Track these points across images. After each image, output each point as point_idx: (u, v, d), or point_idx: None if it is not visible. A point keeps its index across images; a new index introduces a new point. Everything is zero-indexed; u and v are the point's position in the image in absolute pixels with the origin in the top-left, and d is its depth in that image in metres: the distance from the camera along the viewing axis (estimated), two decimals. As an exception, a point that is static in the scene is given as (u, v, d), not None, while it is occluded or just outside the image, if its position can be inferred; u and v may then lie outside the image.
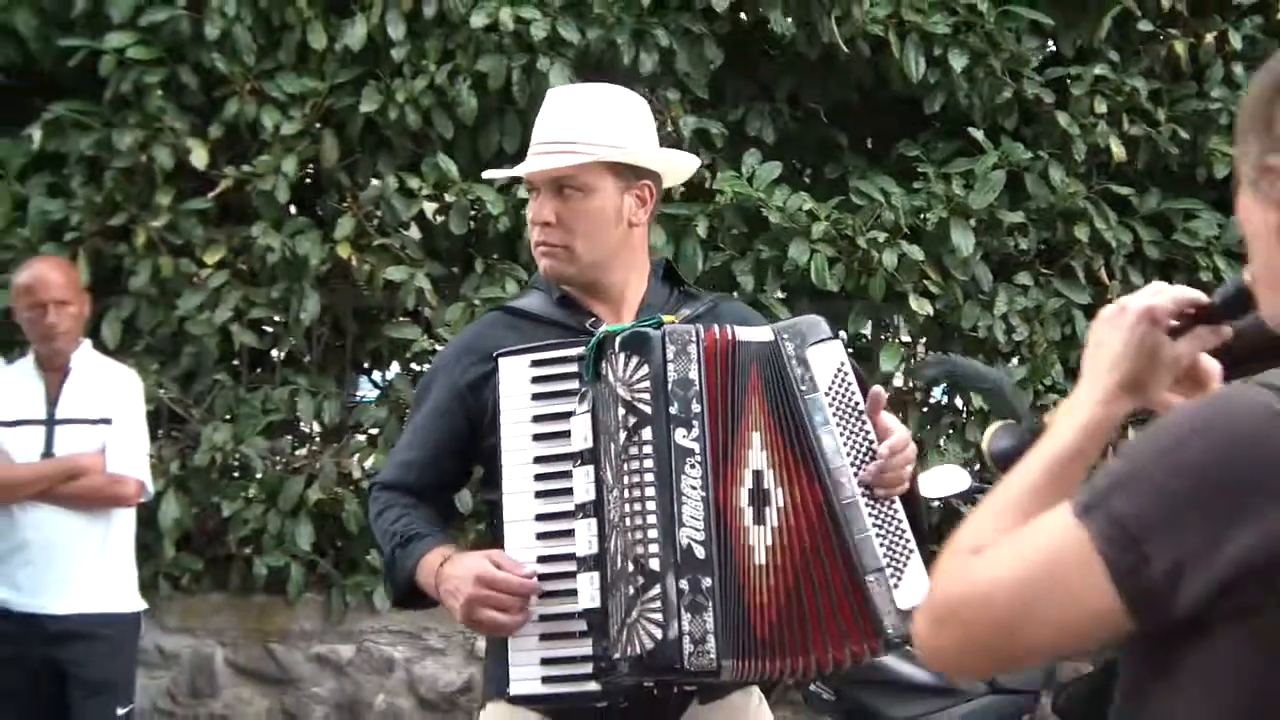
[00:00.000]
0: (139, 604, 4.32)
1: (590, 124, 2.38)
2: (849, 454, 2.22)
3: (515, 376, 2.29)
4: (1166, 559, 1.18)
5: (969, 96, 5.12)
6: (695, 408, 2.16)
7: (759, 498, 2.20)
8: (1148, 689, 1.28)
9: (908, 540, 2.25)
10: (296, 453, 5.46)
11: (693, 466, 2.15)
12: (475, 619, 2.24)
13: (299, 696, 5.34)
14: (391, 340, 5.28)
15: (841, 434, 2.22)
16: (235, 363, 5.41)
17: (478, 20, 4.93)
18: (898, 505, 2.26)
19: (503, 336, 2.42)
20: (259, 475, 5.20)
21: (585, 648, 2.18)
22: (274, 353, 5.52)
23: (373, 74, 5.12)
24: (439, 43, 5.08)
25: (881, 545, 2.22)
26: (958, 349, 5.25)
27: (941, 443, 5.11)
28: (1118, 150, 5.09)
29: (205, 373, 5.26)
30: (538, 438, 2.26)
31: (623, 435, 2.15)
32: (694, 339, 2.19)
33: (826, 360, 2.24)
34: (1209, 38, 5.13)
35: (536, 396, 2.27)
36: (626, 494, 2.14)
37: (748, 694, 2.45)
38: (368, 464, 5.22)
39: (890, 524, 2.26)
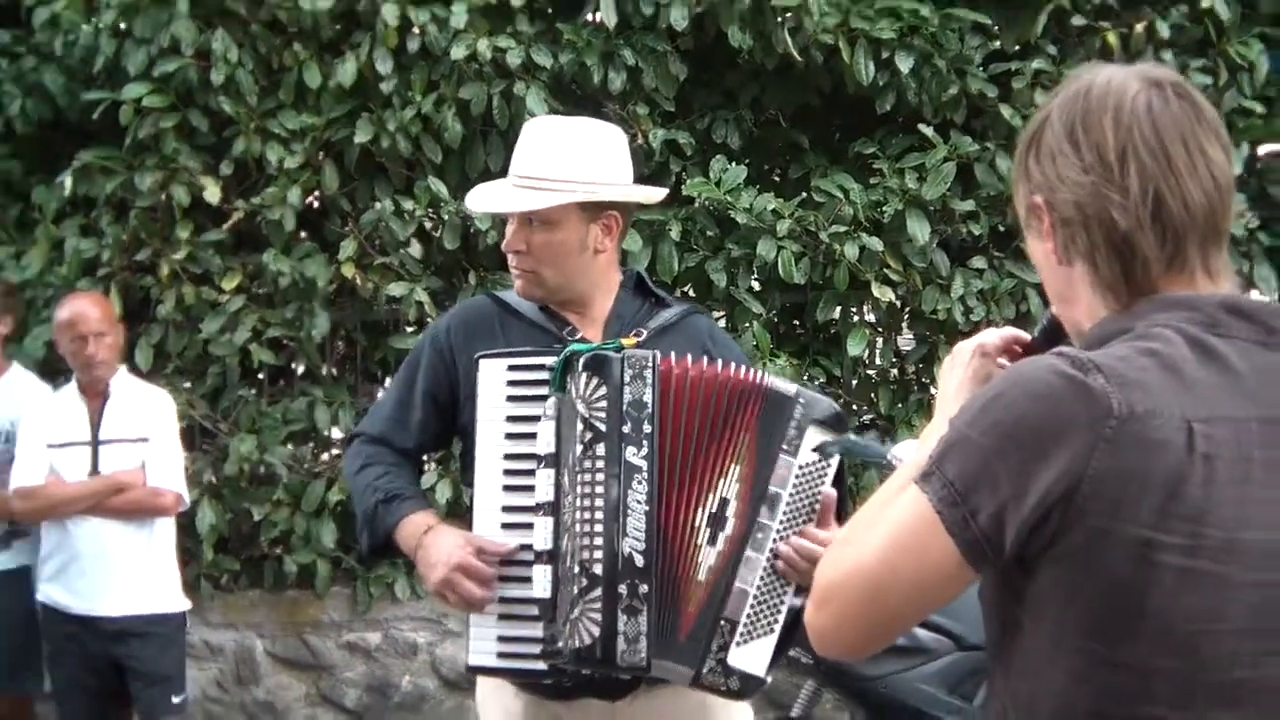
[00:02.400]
0: (184, 603, 4.52)
1: (561, 161, 2.48)
2: (782, 525, 2.32)
3: (493, 378, 2.40)
4: (989, 508, 1.31)
5: (918, 95, 5.20)
6: (647, 428, 2.27)
7: (719, 522, 2.31)
8: (1015, 621, 1.39)
9: (774, 621, 2.34)
10: (318, 458, 5.56)
11: (639, 482, 2.25)
12: (444, 596, 2.37)
13: (333, 681, 5.49)
14: (398, 350, 5.35)
15: (787, 506, 2.32)
16: (257, 378, 5.53)
17: (458, 52, 5.03)
18: (789, 590, 2.34)
19: (492, 324, 2.57)
20: (284, 481, 5.33)
21: (537, 630, 2.30)
22: (292, 367, 5.62)
23: (365, 107, 5.21)
24: (424, 75, 5.17)
25: (751, 608, 2.31)
26: (921, 331, 5.42)
27: (911, 418, 5.24)
28: (1058, 138, 5.18)
29: (230, 389, 5.38)
30: (509, 436, 2.38)
31: (579, 448, 2.25)
32: (650, 365, 2.30)
33: (817, 438, 2.36)
34: (1139, 28, 5.20)
35: (511, 399, 2.39)
36: (579, 502, 2.24)
37: (730, 710, 2.56)
38: None
39: (772, 599, 2.34)
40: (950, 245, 5.36)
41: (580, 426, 2.26)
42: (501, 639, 2.37)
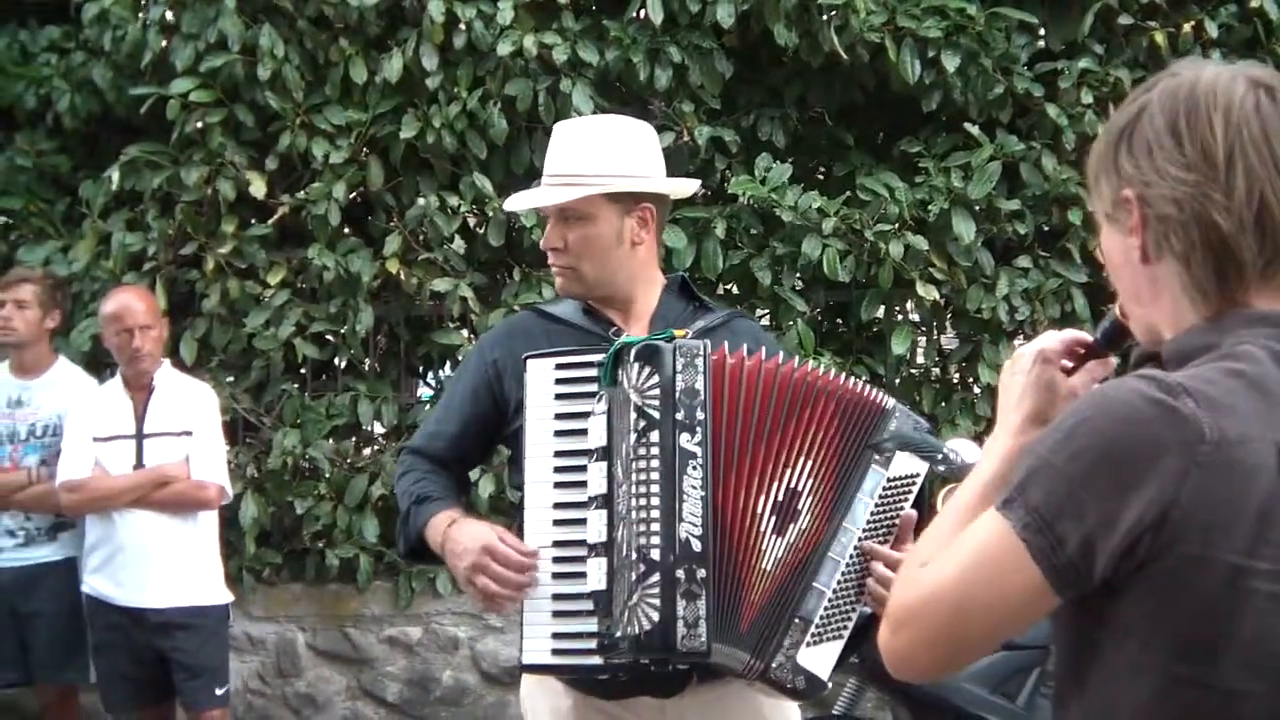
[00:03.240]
0: (226, 596, 4.54)
1: (592, 156, 2.52)
2: (865, 534, 2.32)
3: (541, 377, 2.40)
4: (1077, 536, 1.28)
5: (964, 94, 5.19)
6: (699, 415, 2.26)
7: (787, 513, 2.30)
8: (1094, 643, 1.36)
9: (845, 626, 2.33)
10: (361, 453, 5.56)
11: (694, 468, 2.24)
12: (474, 584, 2.35)
13: (374, 675, 5.50)
14: (441, 345, 5.42)
15: (871, 516, 2.32)
16: (301, 373, 5.54)
17: (504, 48, 5.06)
18: (864, 600, 2.34)
19: (534, 336, 2.57)
20: (327, 475, 5.34)
21: (592, 625, 2.28)
22: (335, 362, 5.62)
23: (411, 103, 5.23)
24: (469, 71, 5.20)
25: (825, 609, 2.31)
26: (965, 330, 5.40)
27: (955, 417, 5.23)
28: (1105, 137, 5.17)
29: (274, 384, 5.41)
30: (559, 434, 2.37)
31: (633, 437, 2.25)
32: (701, 353, 2.29)
33: (909, 465, 2.36)
34: (1187, 27, 5.18)
35: (559, 396, 2.38)
36: (634, 489, 2.23)
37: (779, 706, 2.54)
38: None
39: (844, 603, 2.34)
40: (995, 244, 5.35)
41: (634, 415, 2.26)
42: (556, 636, 2.35)
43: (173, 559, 4.39)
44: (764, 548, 2.29)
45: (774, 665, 2.28)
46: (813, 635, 2.30)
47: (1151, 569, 1.28)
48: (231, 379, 5.47)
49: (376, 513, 5.33)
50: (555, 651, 2.35)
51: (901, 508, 2.36)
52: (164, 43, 5.30)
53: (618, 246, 2.57)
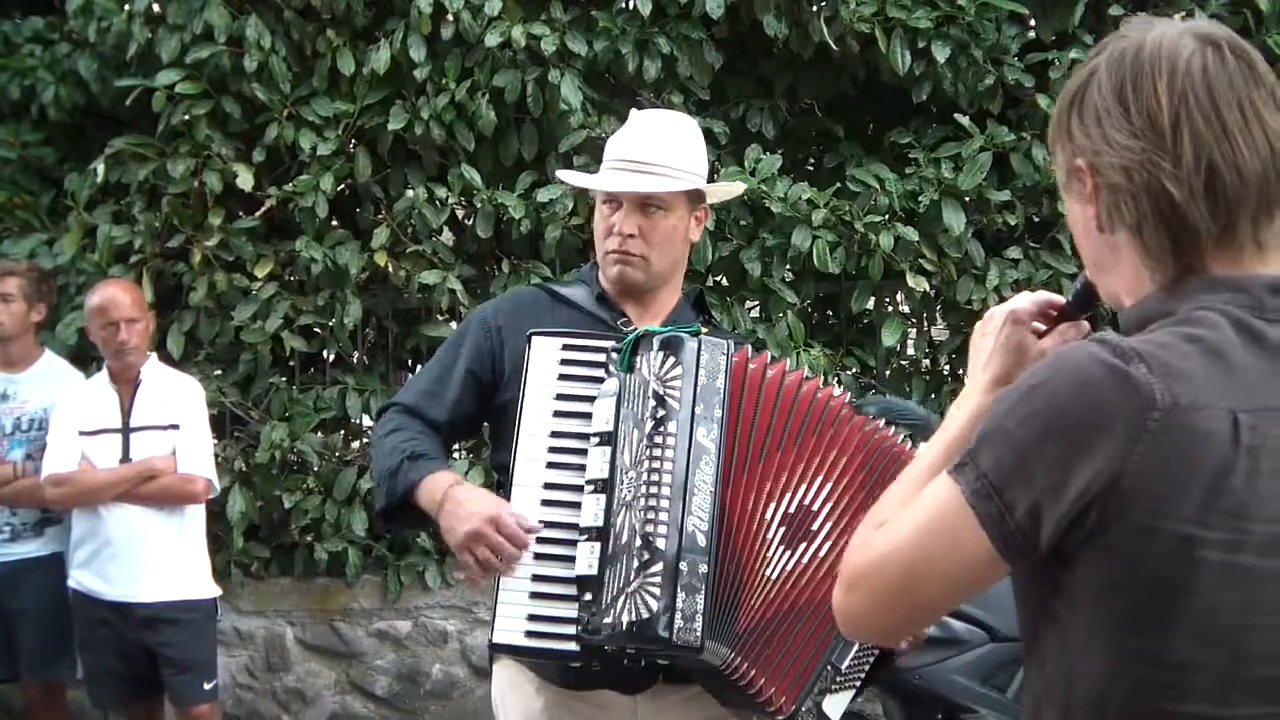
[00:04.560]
0: (214, 590, 4.52)
1: (672, 150, 2.54)
2: None
3: (545, 355, 2.38)
4: (1025, 502, 1.27)
5: (954, 85, 5.17)
6: (717, 412, 2.27)
7: (798, 527, 2.29)
8: (1050, 613, 1.35)
9: (864, 669, 2.35)
10: (349, 446, 5.55)
11: (707, 464, 2.24)
12: (471, 552, 2.28)
13: (363, 669, 5.49)
14: (430, 338, 5.36)
15: None
16: (288, 366, 5.52)
17: (492, 39, 5.03)
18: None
19: (541, 312, 2.56)
20: (315, 469, 5.32)
21: (571, 610, 2.26)
22: (323, 355, 5.62)
23: (399, 94, 5.21)
24: (457, 62, 5.17)
25: (854, 657, 2.32)
26: (955, 321, 5.40)
27: (944, 409, 5.27)
28: (1095, 128, 5.17)
29: (261, 377, 5.38)
30: (557, 414, 2.35)
31: (649, 424, 2.24)
32: (725, 352, 2.31)
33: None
34: (1177, 18, 5.09)
35: (563, 377, 2.37)
36: (645, 477, 2.22)
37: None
38: None
39: (866, 651, 2.36)
40: (985, 235, 5.34)
41: (652, 403, 2.25)
42: (532, 617, 2.31)
43: (160, 553, 4.37)
44: (769, 555, 2.29)
45: (801, 710, 2.28)
46: (837, 682, 2.31)
47: (1101, 538, 1.26)
48: (219, 372, 5.44)
49: (365, 506, 5.30)
50: (530, 634, 2.31)
51: None
52: (149, 34, 5.25)
53: (682, 243, 2.61)
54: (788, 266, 5.20)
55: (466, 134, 5.19)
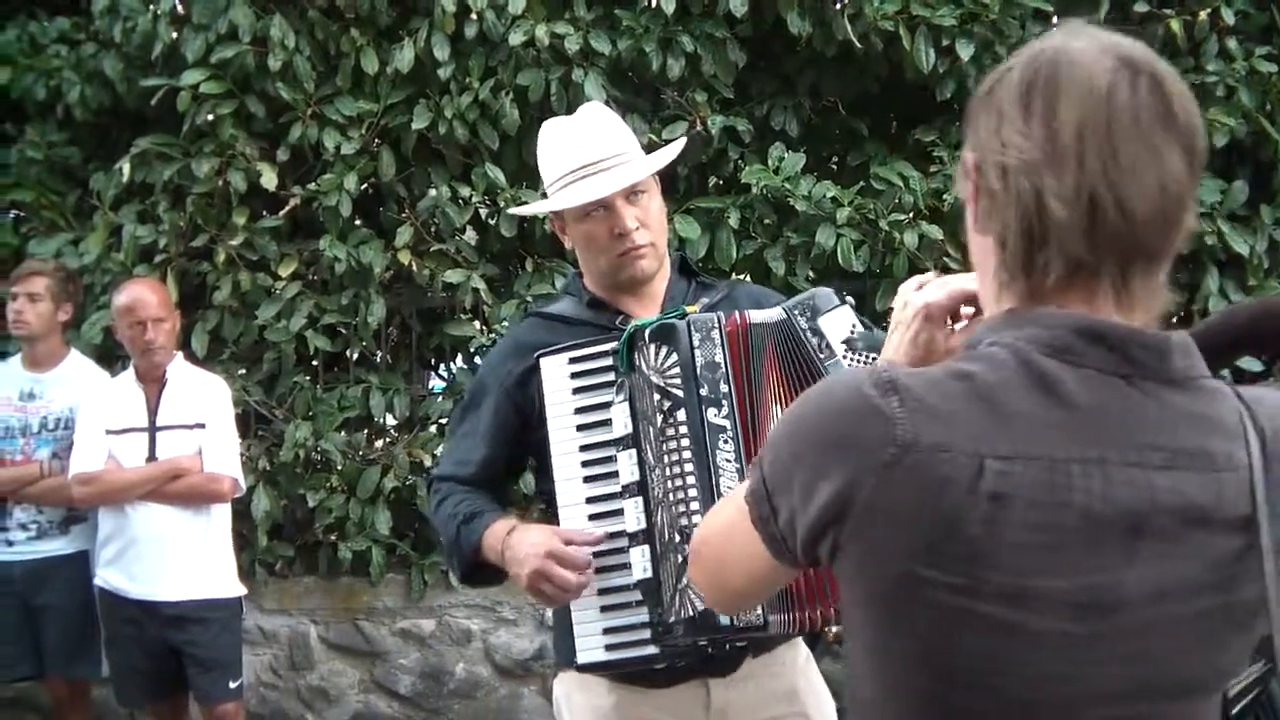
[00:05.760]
0: (239, 589, 4.54)
1: (617, 137, 2.51)
2: None
3: (556, 373, 2.38)
4: (785, 510, 1.30)
5: (978, 83, 5.12)
6: (723, 388, 2.23)
7: None
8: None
9: None
10: (373, 445, 5.55)
11: (726, 442, 2.21)
12: (539, 589, 2.31)
13: (387, 668, 5.49)
14: (453, 337, 5.40)
15: None
16: (312, 365, 5.52)
17: (516, 38, 5.03)
18: None
19: (542, 338, 2.51)
20: (339, 468, 5.33)
21: (643, 615, 2.27)
22: (347, 354, 5.63)
23: (422, 93, 5.22)
24: (481, 61, 5.17)
25: None
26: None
27: None
28: (1119, 124, 5.14)
29: (285, 376, 5.40)
30: (581, 428, 2.36)
31: (659, 418, 2.23)
32: (716, 325, 2.27)
33: (839, 326, 2.29)
34: (1203, 15, 5.13)
35: (577, 390, 2.37)
36: (668, 471, 2.21)
37: (794, 649, 2.55)
38: (438, 452, 5.26)
39: None
40: None
41: (657, 397, 2.25)
42: (608, 631, 2.33)
43: (186, 552, 4.39)
44: None
45: (832, 618, 2.24)
46: None
47: (841, 558, 1.27)
48: (243, 371, 5.46)
49: (389, 505, 5.32)
50: (609, 647, 2.33)
51: (876, 341, 2.30)
52: (174, 34, 5.28)
53: (667, 221, 2.63)
54: (811, 265, 5.17)
55: (490, 133, 5.19)
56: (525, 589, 2.36)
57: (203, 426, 4.43)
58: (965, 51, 5.06)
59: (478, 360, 5.63)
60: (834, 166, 5.66)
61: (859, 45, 5.13)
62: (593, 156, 2.50)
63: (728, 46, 5.20)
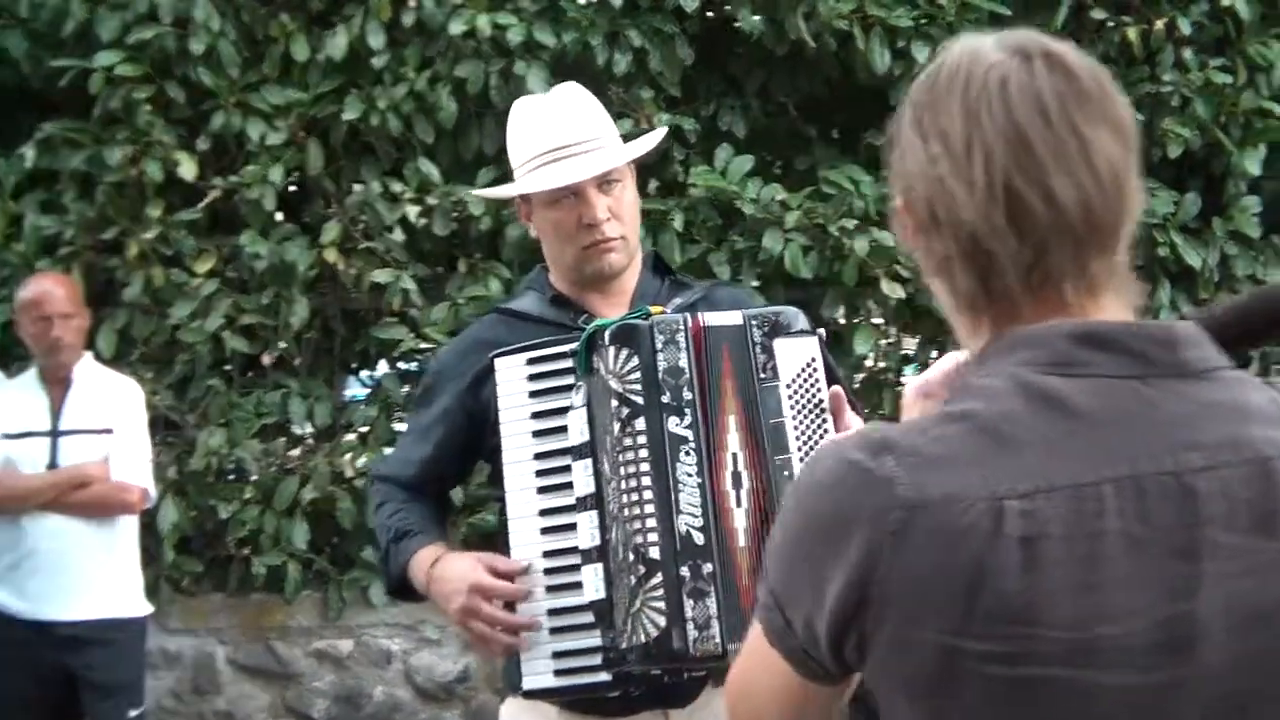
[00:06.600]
0: (146, 608, 4.36)
1: (594, 120, 2.41)
2: (801, 452, 2.18)
3: (512, 375, 2.28)
4: (800, 619, 1.16)
5: None
6: (687, 395, 2.15)
7: (737, 480, 2.18)
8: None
9: None
10: (290, 454, 5.45)
11: (687, 454, 2.13)
12: (469, 629, 2.26)
13: (300, 691, 5.37)
14: (380, 341, 5.29)
15: (796, 430, 2.18)
16: (227, 368, 5.40)
17: (455, 27, 4.97)
18: None
19: (501, 336, 2.41)
20: (254, 477, 5.21)
21: (595, 639, 2.16)
22: (264, 357, 5.50)
23: (354, 83, 5.15)
24: (418, 50, 5.12)
25: None
26: (929, 330, 5.33)
27: None
28: (1078, 134, 5.20)
29: (199, 379, 5.26)
30: (537, 434, 2.26)
31: (617, 426, 2.14)
32: (681, 327, 2.18)
33: (795, 354, 2.21)
34: (1159, 24, 5.20)
35: (534, 394, 2.26)
36: (624, 484, 2.13)
37: None
38: (360, 463, 5.25)
39: None
40: None
41: (615, 403, 2.14)
42: (557, 655, 2.21)
43: (88, 568, 4.17)
44: (736, 526, 2.16)
45: None
46: None
47: (872, 652, 1.13)
48: (152, 374, 5.27)
49: (306, 517, 5.19)
50: (559, 672, 2.22)
51: (820, 399, 2.22)
52: (88, 12, 5.11)
53: (639, 214, 2.51)
54: (758, 270, 5.14)
55: (425, 126, 5.12)
56: (458, 626, 2.31)
57: (111, 432, 4.23)
58: (921, 54, 5.05)
59: (402, 366, 5.54)
60: (778, 171, 5.64)
61: (812, 44, 5.10)
62: (566, 140, 2.38)
63: (676, 42, 5.17)
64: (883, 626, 1.10)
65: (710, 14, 5.21)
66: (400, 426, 5.38)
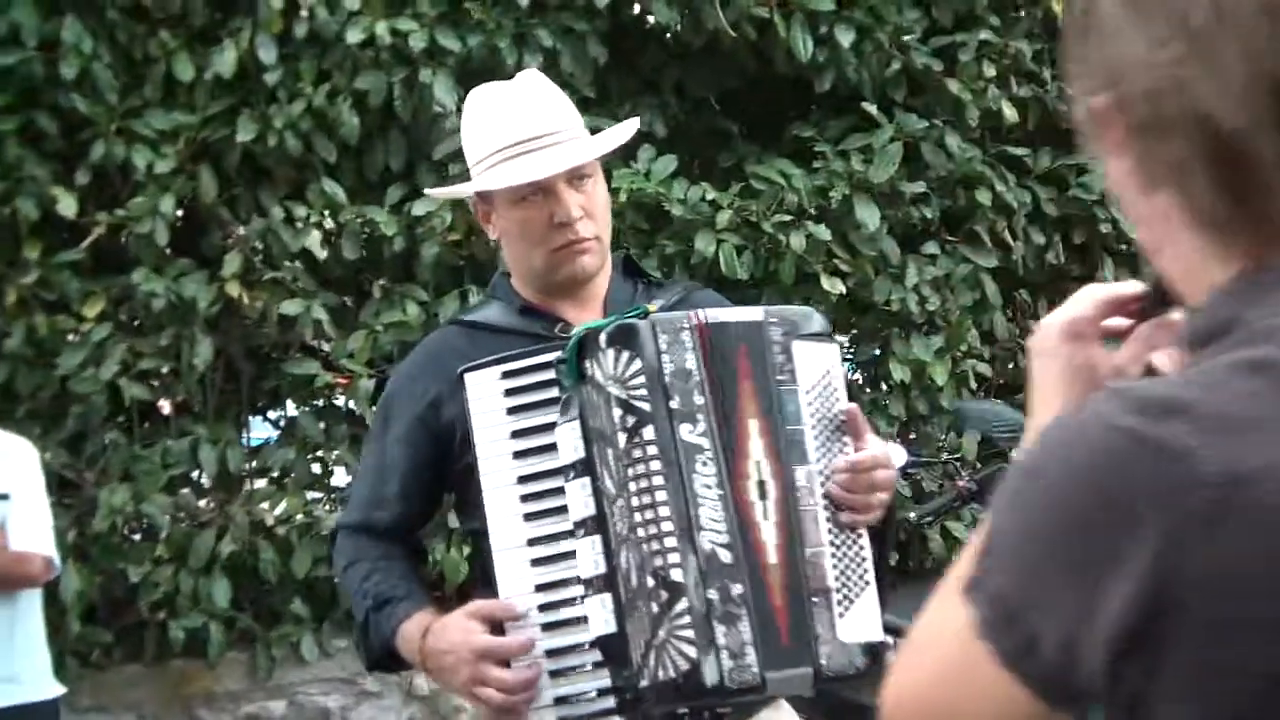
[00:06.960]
0: (57, 688, 4.06)
1: (561, 111, 2.29)
2: (820, 465, 2.07)
3: (486, 391, 2.13)
4: (1053, 632, 0.96)
5: (858, 72, 5.11)
6: (698, 400, 2.03)
7: (763, 490, 2.06)
8: None
9: (865, 570, 2.11)
10: (201, 505, 5.23)
11: (705, 464, 2.01)
12: (478, 698, 2.12)
13: None
14: (292, 376, 5.11)
15: (816, 443, 2.08)
16: (123, 419, 5.16)
17: (353, 36, 4.80)
18: (861, 533, 2.10)
19: (464, 351, 2.27)
20: (165, 534, 4.98)
21: (603, 679, 2.04)
22: (163, 404, 5.30)
23: (246, 102, 4.95)
24: (314, 63, 4.94)
25: (835, 568, 2.07)
26: (871, 325, 5.30)
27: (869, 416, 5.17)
28: (1009, 112, 5.16)
29: (94, 432, 5.02)
30: (519, 455, 2.12)
31: (622, 438, 2.01)
32: (686, 325, 2.06)
33: (814, 360, 2.10)
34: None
35: (512, 410, 2.12)
36: (634, 501, 1.99)
37: (777, 709, 2.30)
38: (279, 510, 5.09)
39: (850, 549, 2.11)
40: (898, 231, 5.28)
41: (618, 412, 2.01)
42: (560, 701, 2.07)
43: (-13, 648, 3.87)
44: (764, 540, 2.05)
45: (824, 663, 2.01)
46: (840, 603, 2.05)
47: (1164, 677, 0.91)
48: (39, 431, 4.97)
49: (226, 573, 4.95)
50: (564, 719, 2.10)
51: (837, 411, 2.12)
52: None
53: (610, 212, 2.38)
54: (689, 273, 4.99)
55: (326, 144, 4.91)
56: (466, 701, 2.22)
57: (6, 498, 3.91)
58: (845, 38, 5.00)
59: (317, 403, 5.32)
60: (698, 170, 5.53)
61: (731, 34, 4.99)
62: (530, 132, 2.24)
63: (587, 41, 5.02)
64: (1188, 645, 0.87)
65: (620, 10, 5.10)
66: (317, 469, 5.21)
